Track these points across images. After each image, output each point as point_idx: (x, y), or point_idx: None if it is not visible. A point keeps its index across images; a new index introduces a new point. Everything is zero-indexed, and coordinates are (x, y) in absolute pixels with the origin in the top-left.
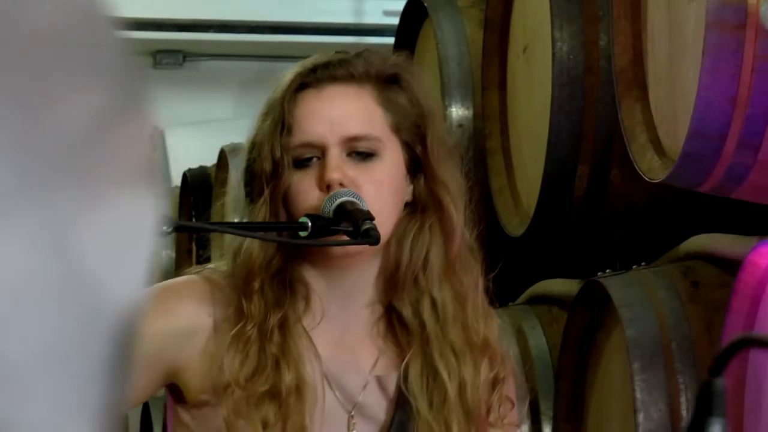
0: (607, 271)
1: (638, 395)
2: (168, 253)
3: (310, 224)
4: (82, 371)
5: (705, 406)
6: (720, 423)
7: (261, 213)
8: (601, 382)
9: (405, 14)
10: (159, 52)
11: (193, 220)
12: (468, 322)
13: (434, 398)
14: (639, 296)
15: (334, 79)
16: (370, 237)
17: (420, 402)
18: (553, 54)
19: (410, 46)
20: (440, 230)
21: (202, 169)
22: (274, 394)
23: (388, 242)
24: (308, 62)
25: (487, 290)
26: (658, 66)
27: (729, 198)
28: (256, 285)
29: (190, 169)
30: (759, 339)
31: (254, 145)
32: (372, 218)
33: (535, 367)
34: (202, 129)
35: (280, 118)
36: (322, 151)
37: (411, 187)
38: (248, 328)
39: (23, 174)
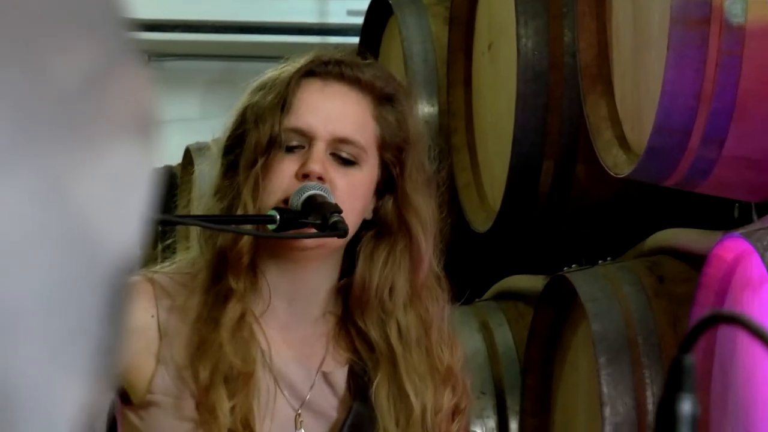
0: (573, 266)
1: (604, 389)
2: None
3: (278, 217)
4: (79, 320)
5: (675, 382)
6: (690, 399)
7: (249, 184)
8: (568, 376)
9: (370, 12)
10: None
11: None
12: (432, 349)
13: (400, 419)
14: (605, 291)
15: (341, 78)
16: (338, 230)
17: (387, 421)
18: (518, 50)
19: (375, 44)
20: (408, 257)
21: (167, 168)
22: (223, 377)
23: (354, 260)
24: (320, 54)
25: (452, 293)
26: (622, 61)
27: (694, 193)
28: (230, 260)
29: (155, 168)
30: (727, 316)
31: (247, 117)
32: (340, 211)
33: (502, 363)
34: (168, 128)
35: (283, 97)
36: (309, 142)
37: (373, 206)
38: (202, 315)
39: (18, 127)
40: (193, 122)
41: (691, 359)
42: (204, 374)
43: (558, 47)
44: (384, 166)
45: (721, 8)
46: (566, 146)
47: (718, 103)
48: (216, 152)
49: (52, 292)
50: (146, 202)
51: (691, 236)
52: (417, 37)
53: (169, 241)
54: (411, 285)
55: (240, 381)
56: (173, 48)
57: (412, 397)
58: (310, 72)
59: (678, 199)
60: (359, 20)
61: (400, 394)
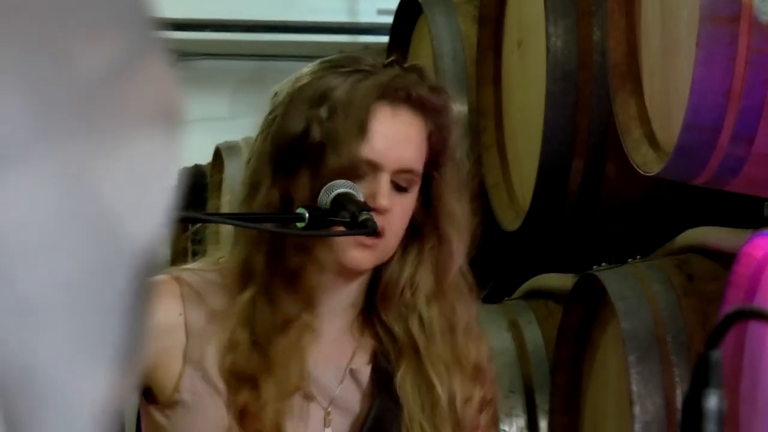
0: (603, 264)
1: (634, 388)
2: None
3: (307, 215)
4: (102, 311)
5: (702, 377)
6: (716, 394)
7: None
8: (597, 375)
9: (399, 12)
10: None
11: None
12: (458, 345)
13: (425, 405)
14: (634, 289)
15: (407, 100)
16: (367, 227)
17: (413, 407)
18: (548, 48)
19: (405, 43)
20: (437, 256)
21: (197, 168)
22: (254, 382)
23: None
24: (393, 77)
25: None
26: (652, 59)
27: (723, 191)
28: (253, 276)
29: (185, 168)
30: (754, 311)
31: (317, 131)
32: (369, 209)
33: (531, 362)
34: (198, 128)
35: (362, 124)
36: (373, 169)
37: None
38: (234, 320)
39: (42, 117)
40: (222, 121)
41: (718, 355)
42: (234, 377)
43: (587, 45)
44: (425, 176)
45: (751, 6)
46: (596, 145)
47: (747, 101)
48: (261, 151)
49: (75, 282)
50: (169, 193)
51: (720, 234)
52: (446, 35)
53: (199, 238)
54: (437, 283)
55: (271, 384)
56: (203, 47)
57: (438, 386)
58: (381, 96)
59: (708, 197)
60: (389, 19)
61: (426, 384)
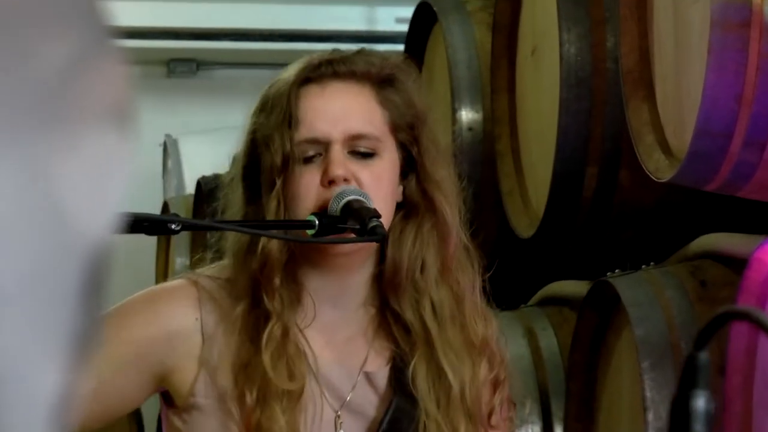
0: (617, 271)
1: (647, 393)
2: (182, 261)
3: (317, 222)
4: (57, 300)
5: (689, 379)
6: (704, 395)
7: (272, 206)
8: (611, 381)
9: (414, 20)
10: (173, 60)
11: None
12: (466, 322)
13: (440, 398)
14: (647, 296)
15: (336, 76)
16: (377, 234)
17: (428, 403)
18: (561, 56)
19: (420, 51)
20: (436, 231)
21: (216, 177)
22: (267, 394)
23: (384, 245)
24: (311, 59)
25: (484, 290)
26: (664, 66)
27: (736, 197)
28: (263, 283)
29: (204, 177)
30: (741, 312)
31: (257, 140)
32: (379, 216)
33: (546, 368)
34: (216, 137)
35: (287, 113)
36: (325, 148)
37: (401, 188)
38: (248, 327)
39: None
40: (241, 130)
41: (706, 356)
42: (250, 397)
43: (600, 52)
44: (402, 147)
45: (761, 12)
46: (609, 151)
47: (758, 107)
48: (235, 179)
49: (29, 274)
50: (122, 188)
51: (733, 240)
52: (461, 44)
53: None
54: (441, 259)
55: (286, 398)
56: (222, 56)
57: (450, 375)
58: (306, 80)
59: (721, 203)
60: (407, 28)
61: (438, 374)
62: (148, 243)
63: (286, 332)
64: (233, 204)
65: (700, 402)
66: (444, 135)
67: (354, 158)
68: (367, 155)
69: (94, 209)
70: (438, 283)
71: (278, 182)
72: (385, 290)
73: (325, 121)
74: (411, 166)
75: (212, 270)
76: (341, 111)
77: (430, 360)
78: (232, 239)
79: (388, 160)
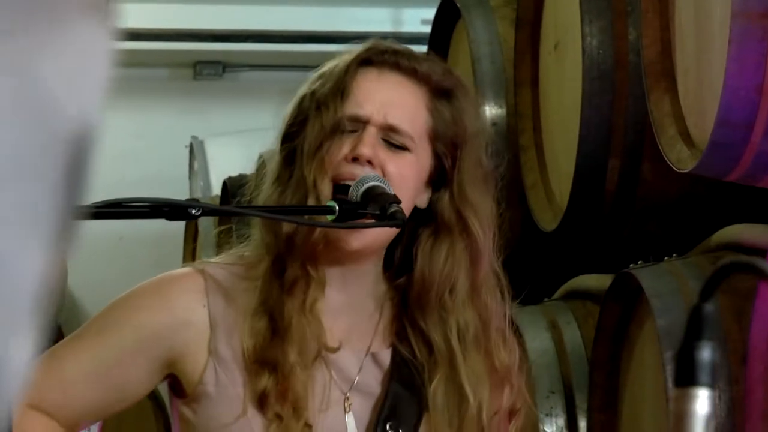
0: (639, 263)
1: (670, 384)
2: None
3: (337, 208)
4: (40, 182)
5: (695, 330)
6: (709, 346)
7: (313, 165)
8: (635, 372)
9: (438, 16)
10: (199, 63)
11: (233, 227)
12: (491, 348)
13: (454, 418)
14: (670, 287)
15: (397, 67)
16: (396, 219)
17: (440, 420)
18: (583, 49)
19: (444, 47)
20: (468, 253)
21: (242, 177)
22: (277, 367)
23: (411, 257)
24: (377, 42)
25: (506, 317)
26: (686, 57)
27: (759, 188)
28: (273, 266)
29: (230, 177)
30: (744, 263)
31: (307, 104)
32: (398, 201)
33: (570, 361)
34: (242, 138)
35: (342, 85)
36: (362, 127)
37: (427, 195)
38: (260, 307)
39: None
40: (266, 132)
41: (711, 308)
42: (255, 363)
43: (623, 45)
44: (437, 157)
45: None
46: (632, 144)
47: None
48: (276, 143)
49: (14, 159)
50: (105, 75)
51: (755, 231)
52: (484, 39)
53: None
54: (471, 282)
55: (292, 371)
56: (247, 58)
57: (470, 397)
58: (367, 60)
59: (745, 195)
60: None
61: (458, 393)
62: (174, 247)
63: (305, 303)
64: (269, 175)
65: (705, 353)
66: None
67: (385, 147)
68: (398, 148)
69: (76, 94)
70: (465, 306)
71: (325, 145)
72: (411, 304)
73: (371, 104)
74: (444, 180)
75: (220, 258)
76: (389, 100)
77: (451, 381)
78: (255, 227)
79: (418, 161)
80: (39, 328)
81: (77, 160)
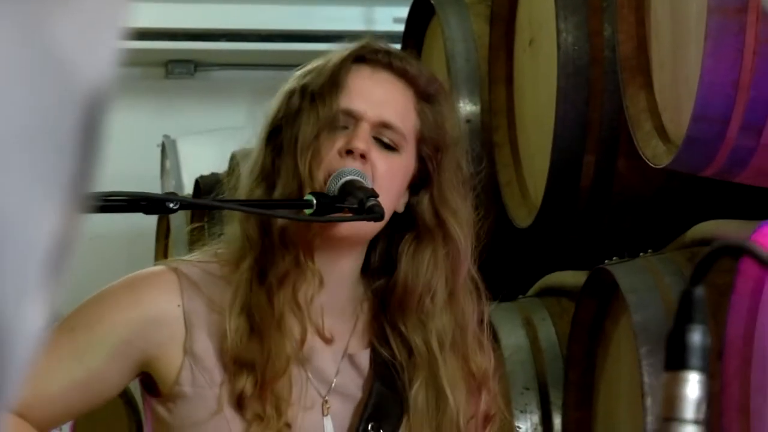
0: (615, 259)
1: (646, 379)
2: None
3: (315, 201)
4: (54, 148)
5: (685, 313)
6: (700, 330)
7: (310, 156)
8: (610, 368)
9: (412, 13)
10: (171, 62)
11: (206, 225)
12: (468, 353)
13: (434, 421)
14: (645, 282)
15: (389, 67)
16: (375, 213)
17: (422, 423)
18: (558, 45)
19: (418, 44)
20: (449, 260)
21: (214, 176)
22: (254, 366)
23: (393, 260)
24: (369, 41)
25: (482, 323)
26: (662, 52)
27: (734, 184)
28: (257, 262)
29: (202, 176)
30: (735, 246)
31: (297, 98)
32: (376, 195)
33: (545, 358)
34: (214, 137)
35: (336, 79)
36: (355, 123)
37: (405, 199)
38: (239, 305)
39: None
40: (239, 131)
41: (701, 291)
42: (233, 363)
43: (598, 41)
44: (420, 161)
45: None
46: (607, 140)
47: (755, 92)
48: (259, 138)
49: (28, 121)
50: (119, 36)
51: (730, 227)
52: (459, 36)
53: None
54: (450, 287)
55: (272, 370)
56: (219, 57)
57: (451, 401)
58: (360, 58)
59: (719, 190)
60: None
61: (438, 397)
62: (146, 245)
63: (289, 301)
64: (249, 171)
65: (696, 336)
66: None
67: (376, 145)
68: (389, 148)
69: (90, 55)
70: (444, 311)
71: (322, 136)
72: (392, 308)
73: (365, 101)
74: (425, 183)
75: (194, 256)
76: (383, 97)
77: (432, 385)
78: (227, 220)
79: (405, 161)
80: (53, 292)
81: (92, 121)
